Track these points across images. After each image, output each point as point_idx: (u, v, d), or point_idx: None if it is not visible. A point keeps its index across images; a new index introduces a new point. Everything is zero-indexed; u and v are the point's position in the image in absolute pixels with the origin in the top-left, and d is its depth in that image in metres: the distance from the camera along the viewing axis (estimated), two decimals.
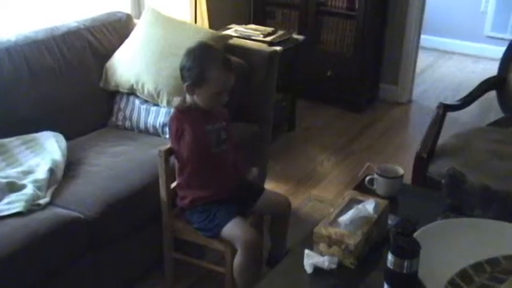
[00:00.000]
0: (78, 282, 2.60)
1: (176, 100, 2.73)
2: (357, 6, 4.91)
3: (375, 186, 2.42)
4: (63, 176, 2.76)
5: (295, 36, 4.63)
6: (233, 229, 2.59)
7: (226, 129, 2.73)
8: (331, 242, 1.98)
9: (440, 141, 3.22)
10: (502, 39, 6.33)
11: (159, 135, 3.22)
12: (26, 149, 2.85)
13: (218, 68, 2.55)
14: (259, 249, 2.79)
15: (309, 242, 2.04)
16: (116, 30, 3.53)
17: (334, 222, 2.06)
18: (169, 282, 2.94)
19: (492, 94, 3.65)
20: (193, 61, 2.57)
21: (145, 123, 3.27)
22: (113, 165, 2.88)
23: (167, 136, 2.91)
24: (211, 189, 2.68)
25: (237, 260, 2.60)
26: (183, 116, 2.61)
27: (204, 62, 2.56)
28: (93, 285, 2.67)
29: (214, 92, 2.57)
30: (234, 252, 2.63)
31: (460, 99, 3.53)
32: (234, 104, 3.09)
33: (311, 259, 1.97)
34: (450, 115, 3.37)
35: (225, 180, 2.73)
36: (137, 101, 3.31)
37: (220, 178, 2.71)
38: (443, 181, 2.32)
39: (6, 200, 2.49)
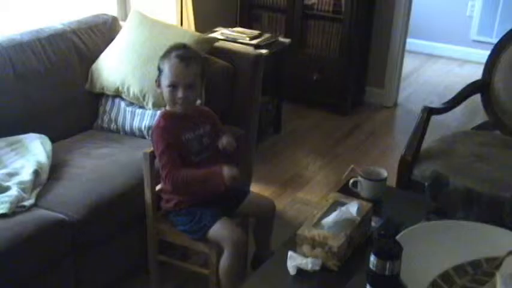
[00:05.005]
0: (61, 285, 2.59)
1: None
2: (343, 10, 4.92)
3: (358, 189, 2.43)
4: (48, 178, 2.75)
5: (281, 39, 4.64)
6: (220, 230, 2.59)
7: (210, 135, 2.73)
8: (314, 243, 2.00)
9: (425, 145, 3.24)
10: (488, 43, 6.34)
11: (145, 138, 3.21)
12: (10, 150, 2.83)
13: (170, 60, 2.60)
14: (246, 250, 2.80)
15: (293, 243, 2.05)
16: (102, 32, 3.52)
17: (317, 224, 2.07)
18: (154, 284, 2.94)
19: (477, 98, 3.66)
20: (160, 57, 2.67)
21: (131, 126, 3.26)
22: (98, 167, 2.88)
23: None
24: (195, 194, 2.67)
25: (224, 260, 2.60)
26: (163, 123, 2.62)
27: (163, 55, 2.64)
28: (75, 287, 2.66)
29: (167, 83, 2.60)
30: (218, 254, 2.63)
31: (445, 103, 3.54)
32: (219, 106, 3.11)
33: (294, 261, 1.98)
34: (436, 118, 3.38)
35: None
36: (123, 104, 3.31)
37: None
38: (426, 184, 2.34)
39: None
